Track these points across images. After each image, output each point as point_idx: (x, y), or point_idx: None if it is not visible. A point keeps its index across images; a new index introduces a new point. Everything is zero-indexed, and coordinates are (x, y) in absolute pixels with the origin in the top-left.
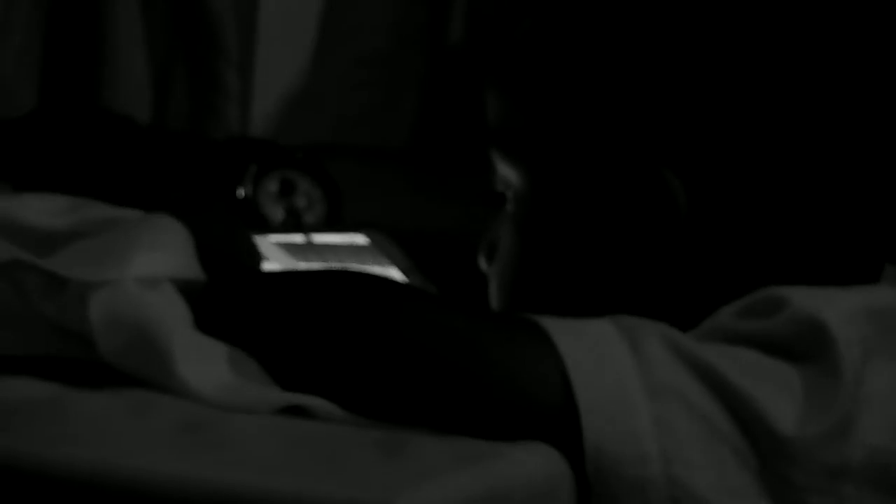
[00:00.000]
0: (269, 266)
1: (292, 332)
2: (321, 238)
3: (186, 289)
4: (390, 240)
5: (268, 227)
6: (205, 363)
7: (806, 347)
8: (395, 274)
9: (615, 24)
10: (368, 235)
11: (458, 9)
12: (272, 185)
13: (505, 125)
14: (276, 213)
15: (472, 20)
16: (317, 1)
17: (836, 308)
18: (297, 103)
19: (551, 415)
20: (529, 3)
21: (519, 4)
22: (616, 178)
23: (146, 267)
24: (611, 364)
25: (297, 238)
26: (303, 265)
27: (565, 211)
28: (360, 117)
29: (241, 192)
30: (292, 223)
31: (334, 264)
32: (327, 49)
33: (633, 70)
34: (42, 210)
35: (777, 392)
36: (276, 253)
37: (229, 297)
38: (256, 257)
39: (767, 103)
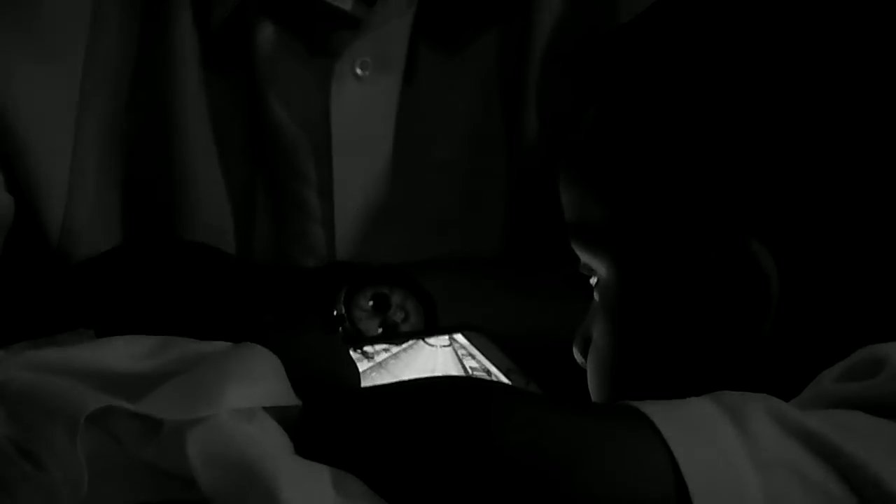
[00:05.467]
0: (367, 382)
1: (397, 448)
2: (416, 344)
3: (283, 416)
4: (489, 341)
5: (364, 342)
6: (310, 488)
7: None
8: (491, 374)
9: (686, 103)
10: (467, 338)
11: (531, 109)
12: (365, 303)
13: (582, 218)
14: (373, 330)
15: (545, 117)
16: (390, 115)
17: None
18: (381, 217)
19: (664, 503)
20: (595, 94)
21: (586, 97)
22: (702, 257)
23: (240, 399)
24: (717, 443)
25: (394, 347)
26: (400, 375)
27: (654, 296)
28: (445, 225)
29: (335, 312)
30: (390, 336)
31: (429, 371)
32: (404, 160)
33: (709, 148)
34: (129, 353)
35: (888, 453)
36: (374, 364)
37: (329, 418)
38: (355, 374)
39: (850, 171)
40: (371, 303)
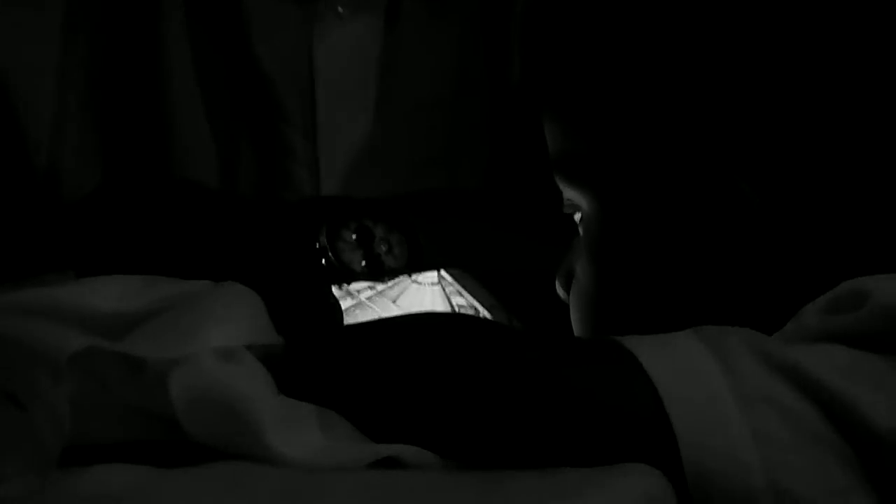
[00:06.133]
0: (350, 319)
1: (378, 382)
2: (403, 281)
3: (265, 354)
4: (471, 278)
5: (348, 277)
6: (294, 428)
7: (894, 337)
8: (479, 311)
9: (671, 38)
10: (450, 274)
11: (515, 45)
12: (348, 236)
13: (567, 153)
14: (356, 262)
15: (527, 54)
16: (373, 55)
17: None
18: (364, 157)
19: (646, 437)
20: (579, 26)
21: (569, 33)
22: (686, 191)
23: (222, 338)
24: (700, 378)
25: (379, 284)
26: (386, 312)
27: (638, 229)
28: (429, 163)
29: (317, 244)
30: (373, 270)
31: (416, 308)
32: (388, 100)
33: (694, 82)
34: (111, 294)
35: (870, 387)
36: (358, 302)
37: (310, 356)
38: (338, 311)
39: (825, 106)
40: (354, 236)
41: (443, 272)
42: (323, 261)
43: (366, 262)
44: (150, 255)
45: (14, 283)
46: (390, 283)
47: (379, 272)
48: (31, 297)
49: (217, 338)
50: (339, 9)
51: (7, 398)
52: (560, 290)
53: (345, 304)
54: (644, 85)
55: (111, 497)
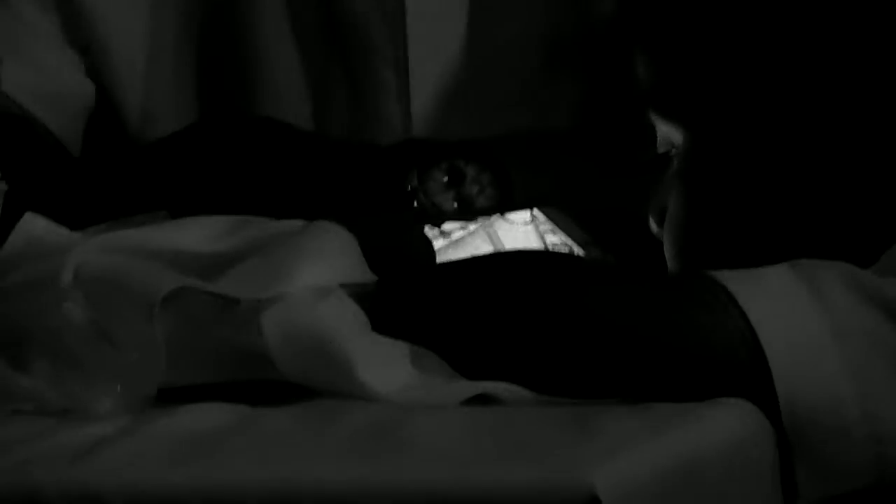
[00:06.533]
0: (443, 259)
1: (473, 319)
2: (495, 221)
3: (358, 293)
4: (564, 216)
5: (440, 218)
6: (386, 365)
7: None
8: (572, 249)
9: None
10: (543, 212)
11: None
12: (440, 177)
13: (661, 86)
14: (448, 202)
15: None
16: None
17: None
18: (455, 94)
19: (741, 370)
20: None
21: None
22: (780, 122)
23: (314, 277)
24: (794, 312)
25: (471, 224)
26: (478, 252)
27: (731, 162)
28: (520, 101)
29: (409, 186)
30: (464, 210)
31: (509, 248)
32: (479, 36)
33: (788, 10)
34: (204, 234)
35: None
36: (450, 242)
37: (403, 294)
38: (430, 250)
39: None
40: (446, 177)
41: (535, 211)
42: (414, 202)
43: (457, 203)
44: (242, 195)
45: (109, 225)
46: (482, 223)
47: (470, 212)
48: (125, 237)
49: (310, 276)
50: None
51: (103, 337)
52: (653, 226)
53: (437, 244)
54: (738, 15)
55: (206, 436)
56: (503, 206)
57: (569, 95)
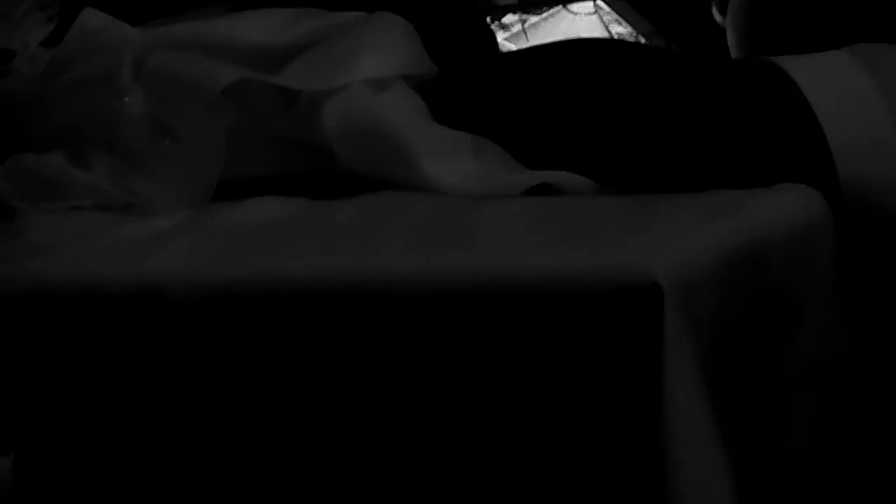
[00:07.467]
0: (505, 47)
1: (536, 106)
2: (558, 12)
3: (420, 83)
4: (628, 5)
5: (502, 9)
6: (448, 156)
7: None
8: (637, 38)
9: None
10: (606, 3)
11: None
12: None
13: None
14: None
15: None
16: None
17: None
18: None
19: (803, 157)
20: None
21: None
22: None
23: (375, 68)
24: (856, 98)
25: (533, 16)
26: (540, 40)
27: None
28: None
29: None
30: (527, 2)
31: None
32: None
33: None
34: (264, 26)
35: None
36: (512, 34)
37: (465, 83)
38: (492, 42)
39: None
40: None
41: (599, 1)
42: None
43: None
44: None
45: (170, 17)
46: (545, 15)
47: (533, 3)
48: (185, 30)
49: (371, 67)
50: None
51: (163, 131)
52: (716, 14)
53: (499, 35)
54: None
55: (267, 228)
56: None
57: None
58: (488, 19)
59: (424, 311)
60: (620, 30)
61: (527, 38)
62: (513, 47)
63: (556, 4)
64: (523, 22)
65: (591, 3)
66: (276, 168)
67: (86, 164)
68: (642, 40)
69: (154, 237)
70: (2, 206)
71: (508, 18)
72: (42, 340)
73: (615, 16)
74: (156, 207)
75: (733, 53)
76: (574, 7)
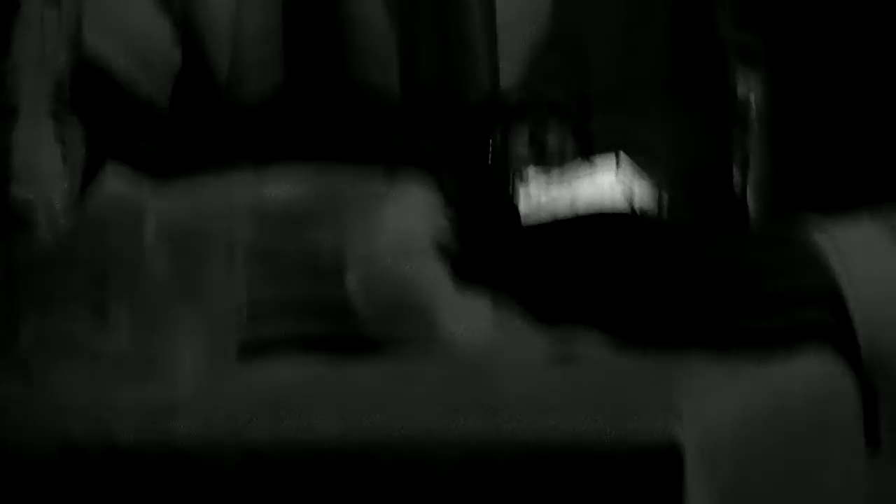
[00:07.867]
0: (526, 204)
1: (556, 271)
2: (580, 168)
3: (441, 247)
4: (649, 162)
5: (525, 168)
6: (470, 316)
7: None
8: (659, 193)
9: None
10: (627, 160)
11: None
12: (523, 132)
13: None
14: (531, 154)
15: None
16: None
17: None
18: (542, 49)
19: (821, 318)
20: None
21: None
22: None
23: (399, 232)
24: (875, 260)
25: (554, 174)
26: (561, 201)
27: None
28: (608, 55)
29: (492, 141)
30: (546, 161)
31: (593, 193)
32: None
33: None
34: (288, 184)
35: None
36: (533, 191)
37: (487, 249)
38: (513, 201)
39: None
40: (529, 130)
41: (620, 158)
42: (498, 155)
43: (539, 154)
44: (325, 152)
45: (196, 175)
46: (566, 171)
47: (553, 162)
48: (208, 187)
49: (394, 232)
50: None
51: (186, 291)
52: (736, 175)
53: (522, 191)
54: None
55: (288, 391)
56: (585, 154)
57: (656, 50)
58: (511, 176)
59: (449, 474)
60: (638, 187)
61: (548, 193)
62: (534, 202)
63: (577, 162)
64: (545, 178)
65: (613, 159)
66: (296, 328)
67: (107, 322)
68: (664, 195)
69: (176, 399)
70: (23, 362)
71: (529, 173)
72: (67, 499)
73: (634, 172)
74: (177, 368)
75: (752, 211)
76: (595, 164)
